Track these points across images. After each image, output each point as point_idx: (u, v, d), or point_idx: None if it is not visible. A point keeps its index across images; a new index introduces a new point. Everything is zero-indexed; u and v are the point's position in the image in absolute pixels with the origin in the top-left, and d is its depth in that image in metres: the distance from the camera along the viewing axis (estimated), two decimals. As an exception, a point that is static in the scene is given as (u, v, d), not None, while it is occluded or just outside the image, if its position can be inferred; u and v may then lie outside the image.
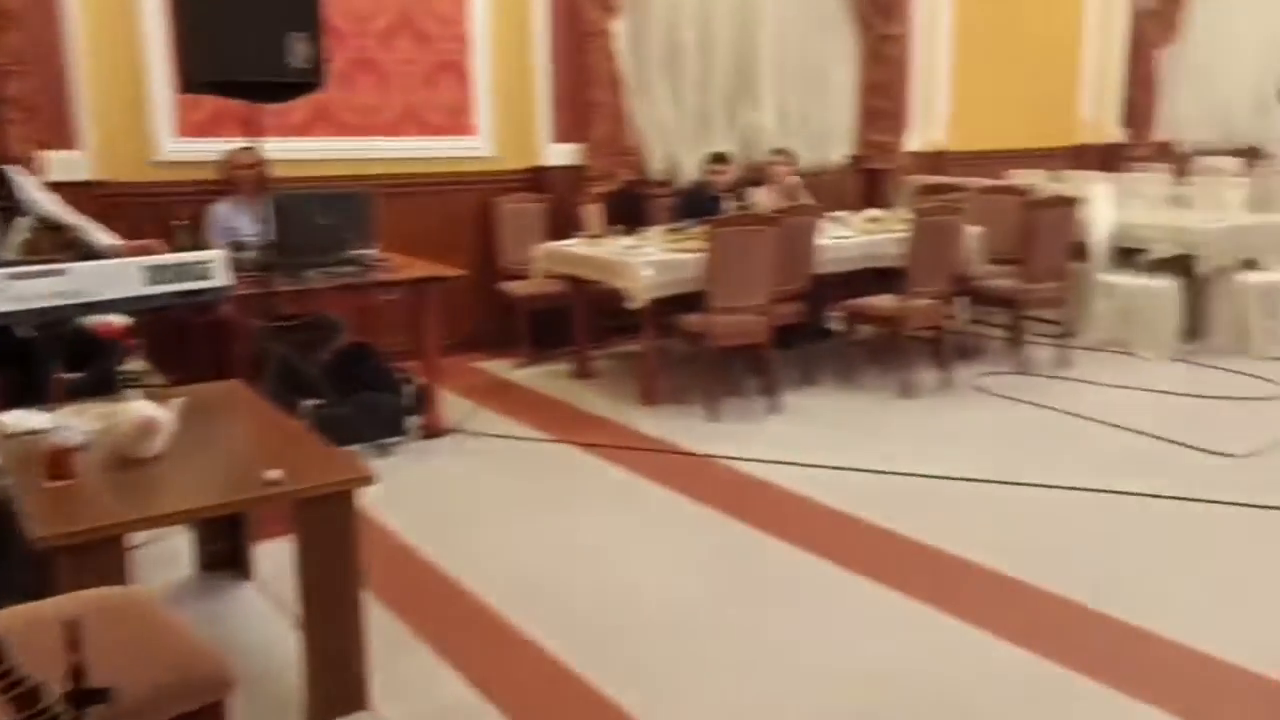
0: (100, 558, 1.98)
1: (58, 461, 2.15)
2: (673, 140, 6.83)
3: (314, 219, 4.52)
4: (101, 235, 3.67)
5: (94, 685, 1.21)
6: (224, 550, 3.10)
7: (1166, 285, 6.10)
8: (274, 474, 2.15)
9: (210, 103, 5.15)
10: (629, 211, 6.29)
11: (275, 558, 3.09)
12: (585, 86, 6.41)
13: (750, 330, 5.04)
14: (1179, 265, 6.15)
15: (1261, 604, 3.08)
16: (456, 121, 6.19)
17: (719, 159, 6.14)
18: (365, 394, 4.60)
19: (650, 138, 6.76)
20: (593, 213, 6.27)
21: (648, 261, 4.99)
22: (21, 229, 3.45)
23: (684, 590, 3.20)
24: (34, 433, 2.32)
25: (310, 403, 4.34)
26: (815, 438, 4.70)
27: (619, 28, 6.47)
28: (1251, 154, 9.18)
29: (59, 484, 2.13)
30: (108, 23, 5.14)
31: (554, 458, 4.51)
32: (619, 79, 6.50)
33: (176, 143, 5.36)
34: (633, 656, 2.79)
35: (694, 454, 4.48)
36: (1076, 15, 8.77)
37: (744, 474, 4.23)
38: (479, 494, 4.09)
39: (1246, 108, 9.79)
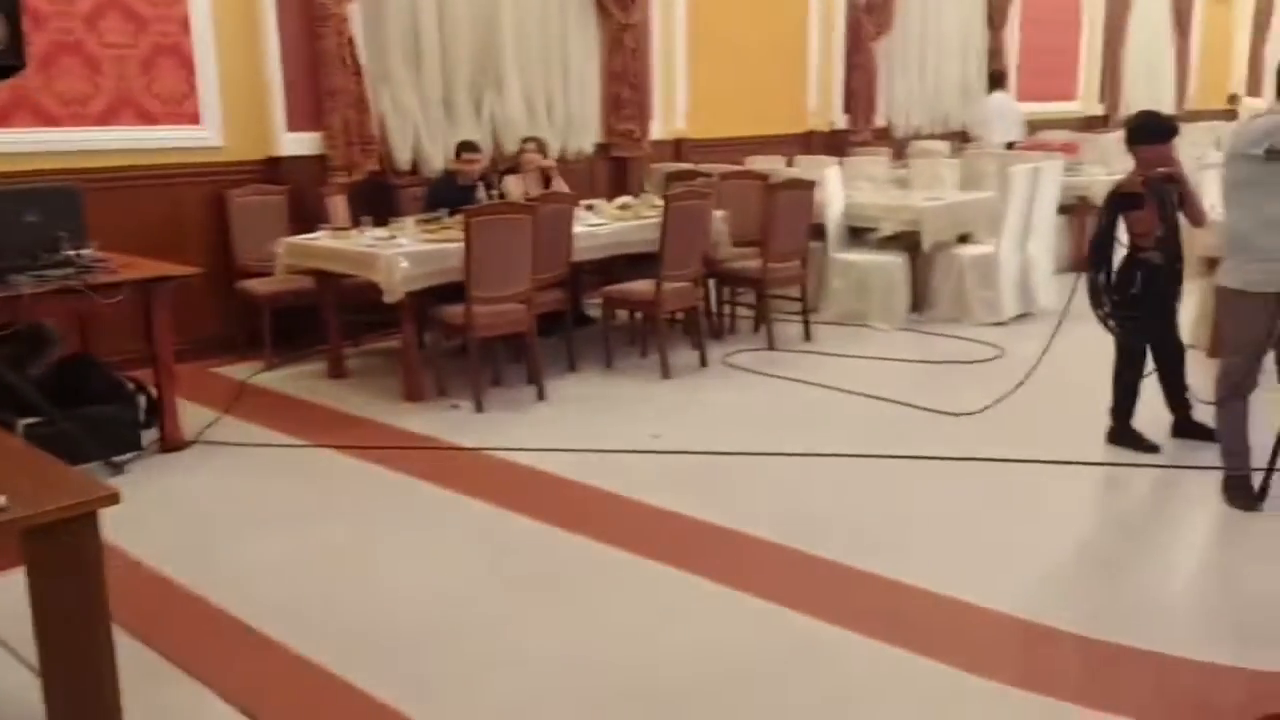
0: None
1: None
2: (418, 129, 6.65)
3: (18, 217, 4.08)
4: None
5: None
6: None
7: (894, 260, 6.56)
8: (-2, 500, 1.89)
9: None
10: (377, 202, 6.06)
11: (3, 595, 2.77)
12: (320, 73, 6.12)
13: (513, 319, 4.99)
14: (904, 242, 6.63)
15: (999, 548, 3.37)
16: (179, 110, 5.74)
17: (469, 148, 6.03)
18: (90, 408, 4.20)
19: (394, 126, 6.54)
20: (338, 204, 6.00)
21: (403, 253, 4.83)
22: None
23: (458, 588, 3.13)
24: None
25: (27, 421, 3.91)
26: (583, 423, 4.72)
27: (354, 11, 6.21)
28: (961, 137, 10.06)
29: None
30: None
31: (311, 463, 4.29)
32: (357, 65, 6.24)
33: None
34: (407, 660, 2.70)
35: (463, 448, 4.39)
36: (801, 8, 9.25)
37: (516, 464, 4.19)
38: (228, 507, 3.83)
39: (954, 94, 10.73)
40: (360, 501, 3.87)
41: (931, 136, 9.95)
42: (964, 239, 6.78)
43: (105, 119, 5.45)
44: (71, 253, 4.15)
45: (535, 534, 3.51)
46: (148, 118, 5.61)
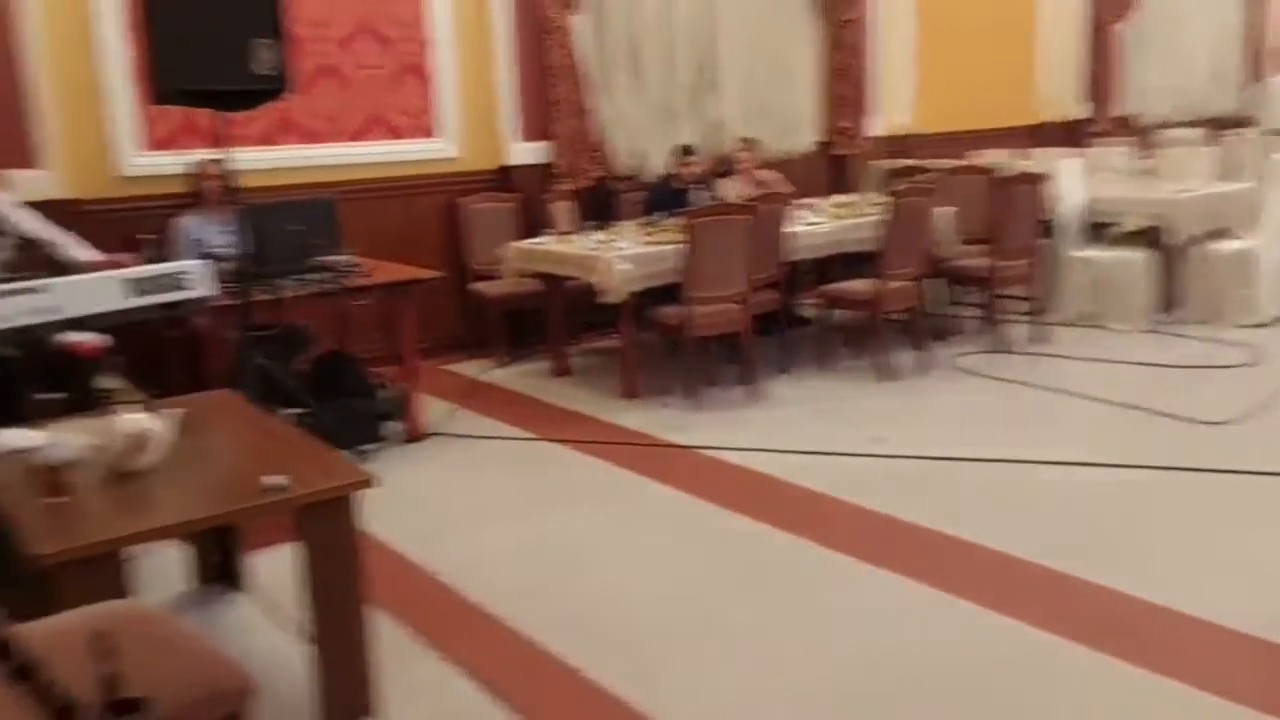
0: (99, 574, 1.95)
1: (52, 480, 2.11)
2: (638, 135, 6.83)
3: (283, 227, 4.48)
4: (80, 250, 3.62)
5: (128, 696, 1.19)
6: (216, 562, 3.06)
7: (1137, 257, 6.18)
8: (273, 480, 2.12)
9: (176, 115, 5.10)
10: (599, 207, 6.28)
11: (270, 567, 3.07)
12: (547, 84, 6.40)
13: (729, 319, 5.05)
14: (1147, 237, 6.24)
15: (1247, 567, 3.13)
16: (420, 124, 6.15)
17: (687, 151, 6.15)
18: (343, 401, 4.56)
19: (615, 133, 6.75)
20: (562, 210, 6.26)
21: (623, 255, 4.99)
22: (2, 247, 3.39)
23: (676, 581, 3.20)
24: (23, 451, 2.27)
25: (290, 412, 4.29)
26: (798, 424, 4.72)
27: (579, 23, 6.46)
28: (1215, 124, 9.32)
29: (54, 501, 2.09)
30: (65, 41, 5.05)
31: (538, 456, 4.49)
32: (581, 75, 6.49)
33: (142, 156, 5.28)
34: (633, 651, 2.79)
35: (678, 445, 4.48)
36: (1030, -5, 8.87)
37: (730, 463, 4.24)
38: (464, 495, 4.07)
39: (1203, 79, 9.93)
40: (584, 493, 4.02)
41: (1179, 125, 9.26)
42: (1219, 234, 6.30)
43: (358, 135, 5.92)
44: (328, 259, 4.52)
45: (752, 532, 3.54)
46: (394, 133, 6.04)
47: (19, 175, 4.89)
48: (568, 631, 2.88)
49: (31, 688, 1.11)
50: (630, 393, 5.20)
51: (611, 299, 4.96)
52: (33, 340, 2.84)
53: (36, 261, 3.46)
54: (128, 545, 2.02)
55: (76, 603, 1.83)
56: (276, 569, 2.91)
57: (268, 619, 2.93)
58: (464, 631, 2.94)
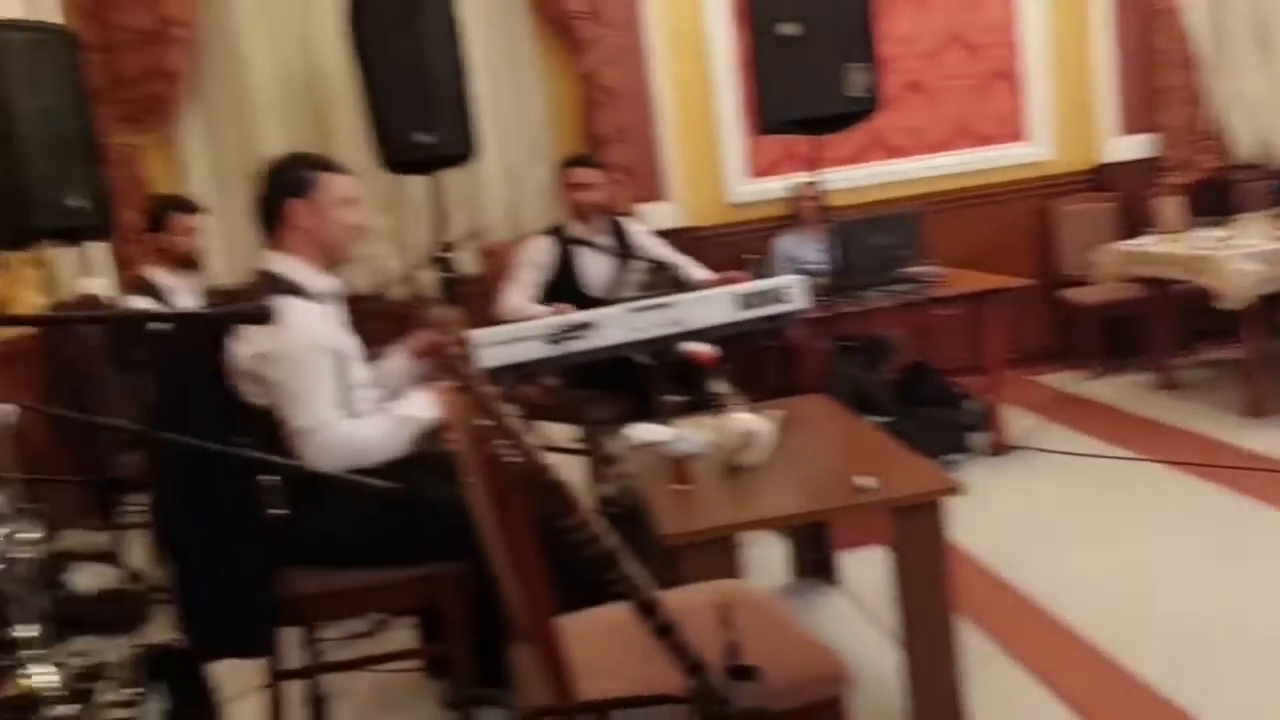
0: (716, 555, 2.21)
1: (679, 469, 2.43)
2: (1264, 118, 5.98)
3: (869, 242, 4.65)
4: (697, 270, 4.12)
5: (744, 664, 1.35)
6: (813, 557, 3.28)
7: None
8: (865, 481, 2.23)
9: (776, 143, 5.54)
10: (1213, 201, 5.61)
11: (861, 566, 3.21)
12: (1154, 72, 5.87)
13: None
14: None
15: None
16: (1008, 130, 6.00)
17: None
18: (927, 410, 4.61)
19: (1234, 117, 5.98)
20: (1170, 206, 5.70)
21: (1248, 254, 4.41)
22: (636, 270, 3.99)
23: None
24: (657, 444, 2.64)
25: (876, 419, 4.44)
26: None
27: (1189, 2, 5.84)
28: None
29: (680, 489, 2.41)
30: (688, 86, 5.74)
31: (1134, 476, 4.14)
32: (1192, 58, 5.86)
33: (748, 184, 5.83)
34: (1243, 693, 2.47)
35: (1318, 474, 3.86)
36: None
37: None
38: (1051, 512, 3.89)
39: None
40: (1189, 519, 3.63)
41: None
42: None
43: (943, 146, 5.95)
44: (912, 270, 4.61)
45: None
46: (981, 141, 5.97)
47: (649, 208, 5.66)
48: (1166, 661, 2.64)
49: (669, 644, 1.31)
50: (1255, 410, 4.57)
51: (1231, 304, 4.41)
52: (661, 349, 3.29)
53: (662, 282, 3.99)
54: (738, 532, 2.26)
55: (696, 579, 2.10)
56: (867, 569, 3.05)
57: (859, 616, 3.07)
58: (1050, 649, 2.82)
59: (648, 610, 1.29)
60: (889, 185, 5.81)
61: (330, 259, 2.50)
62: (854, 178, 5.67)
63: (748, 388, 4.91)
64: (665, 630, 1.29)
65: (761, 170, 5.81)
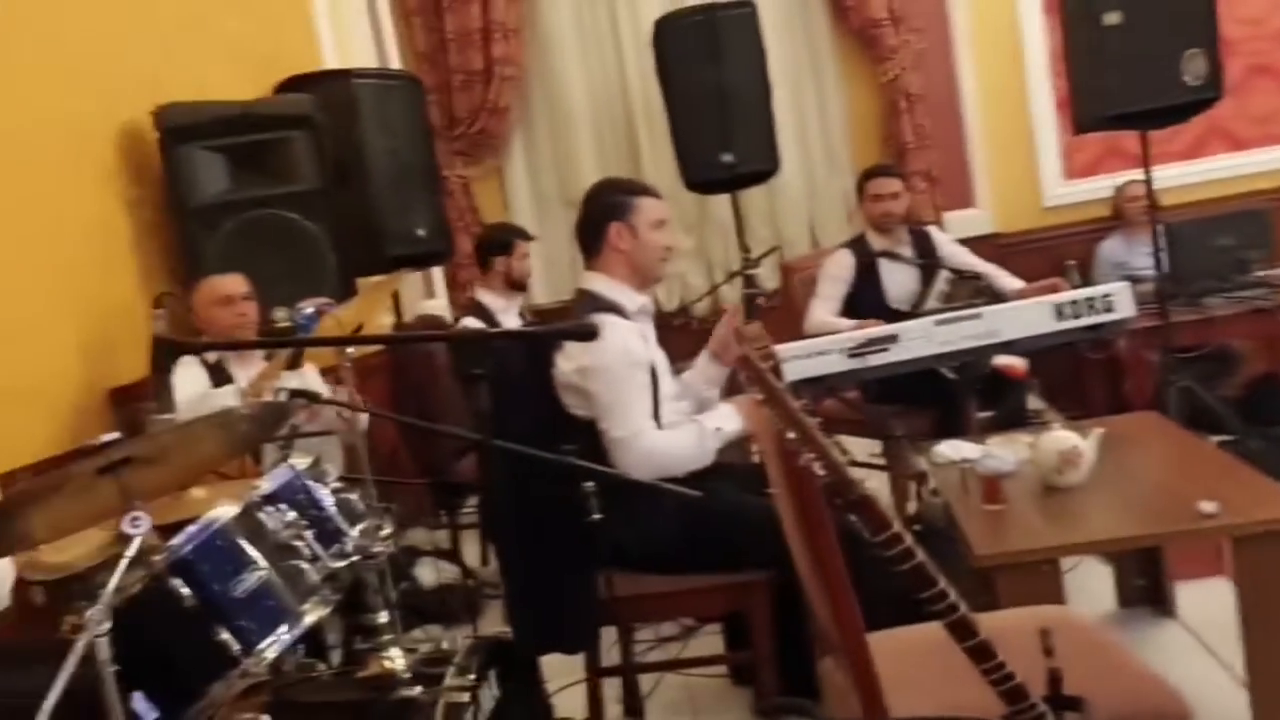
0: (1035, 578, 2.10)
1: (991, 488, 2.34)
2: None
3: (1208, 243, 4.27)
4: (1007, 279, 3.94)
5: (1067, 694, 1.29)
6: (1142, 585, 3.04)
7: None
8: (1209, 506, 2.05)
9: (1095, 141, 5.19)
10: None
11: (1200, 597, 2.94)
12: None
13: None
14: None
15: None
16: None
17: None
18: (1277, 429, 4.15)
19: None
20: None
21: None
22: (941, 281, 3.88)
23: None
24: (965, 462, 2.55)
25: (1218, 439, 4.05)
26: None
27: None
28: None
29: (993, 508, 2.32)
30: (998, 86, 5.50)
31: None
32: None
33: (1064, 186, 5.50)
34: None
35: None
36: None
37: None
38: None
39: None
40: None
41: None
42: None
43: (1295, 135, 5.33)
44: (1261, 273, 4.17)
45: None
46: (1341, 127, 5.30)
47: (956, 215, 5.48)
48: None
49: (987, 667, 1.27)
50: None
51: None
52: (968, 363, 3.18)
53: (968, 292, 3.85)
54: (1056, 555, 2.14)
55: (1013, 602, 2.02)
56: (1207, 600, 2.79)
57: (1197, 651, 2.81)
58: None
59: (965, 631, 1.26)
60: (1230, 180, 5.27)
61: (644, 279, 2.63)
62: (1188, 173, 5.20)
63: (1069, 403, 4.66)
64: (983, 652, 1.26)
65: (1080, 170, 5.46)
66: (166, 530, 1.95)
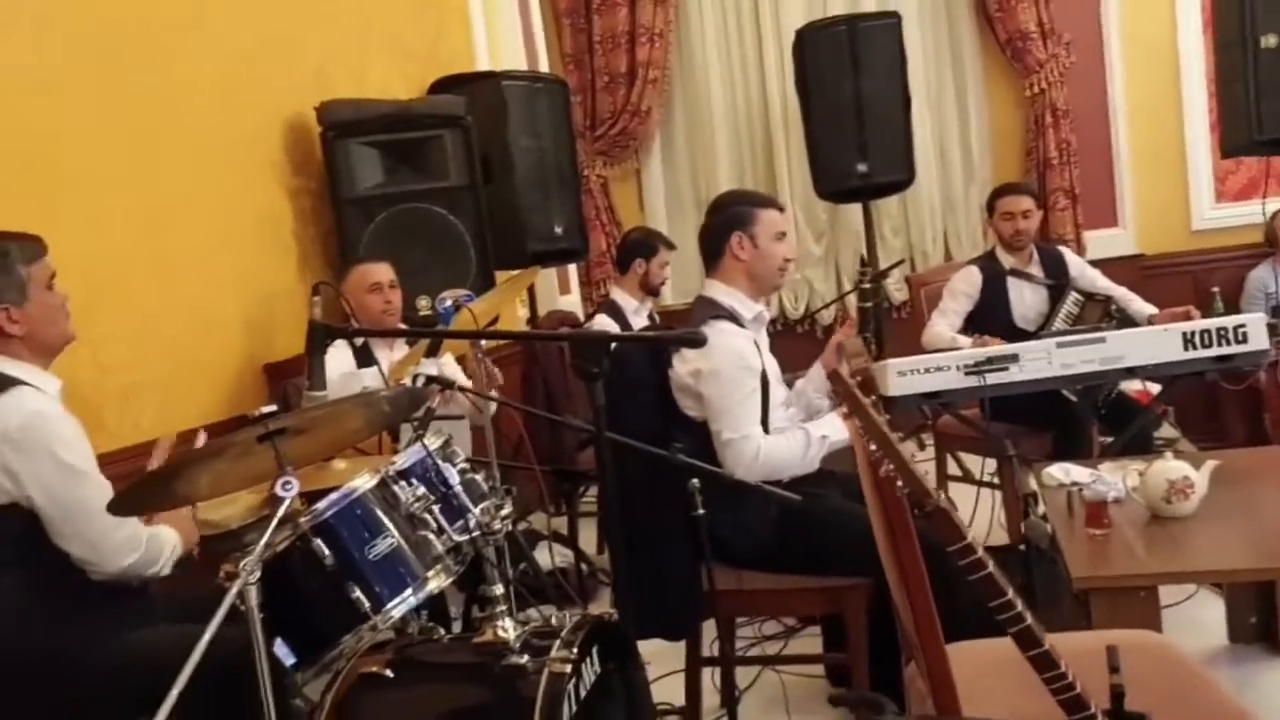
0: (1131, 603, 2.11)
1: (1095, 512, 2.35)
2: None
3: None
4: (1139, 304, 3.87)
5: (1131, 710, 1.34)
6: (1254, 622, 2.98)
7: None
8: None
9: (1251, 164, 5.02)
10: None
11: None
12: None
13: None
14: None
15: None
16: None
17: None
18: None
19: None
20: None
21: None
22: (1069, 302, 3.84)
23: None
24: (1075, 485, 2.56)
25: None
26: None
27: None
28: None
29: (1096, 532, 2.33)
30: (1151, 103, 5.36)
31: None
32: None
33: (1215, 209, 5.33)
34: None
35: None
36: None
37: None
38: None
39: None
40: None
41: None
42: None
43: None
44: None
45: None
46: None
47: (1098, 234, 5.37)
48: None
49: (1049, 676, 1.33)
50: None
51: None
52: (1092, 386, 3.15)
53: (1097, 315, 3.80)
54: (1155, 583, 2.15)
55: (1106, 624, 2.04)
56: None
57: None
58: None
59: (1029, 640, 1.33)
60: None
61: (761, 288, 2.73)
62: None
63: (1204, 434, 4.53)
64: (1045, 661, 1.32)
65: (1234, 194, 5.28)
66: (310, 497, 2.16)
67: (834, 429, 2.59)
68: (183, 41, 3.37)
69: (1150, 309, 3.83)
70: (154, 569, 2.19)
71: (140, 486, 1.96)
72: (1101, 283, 4.01)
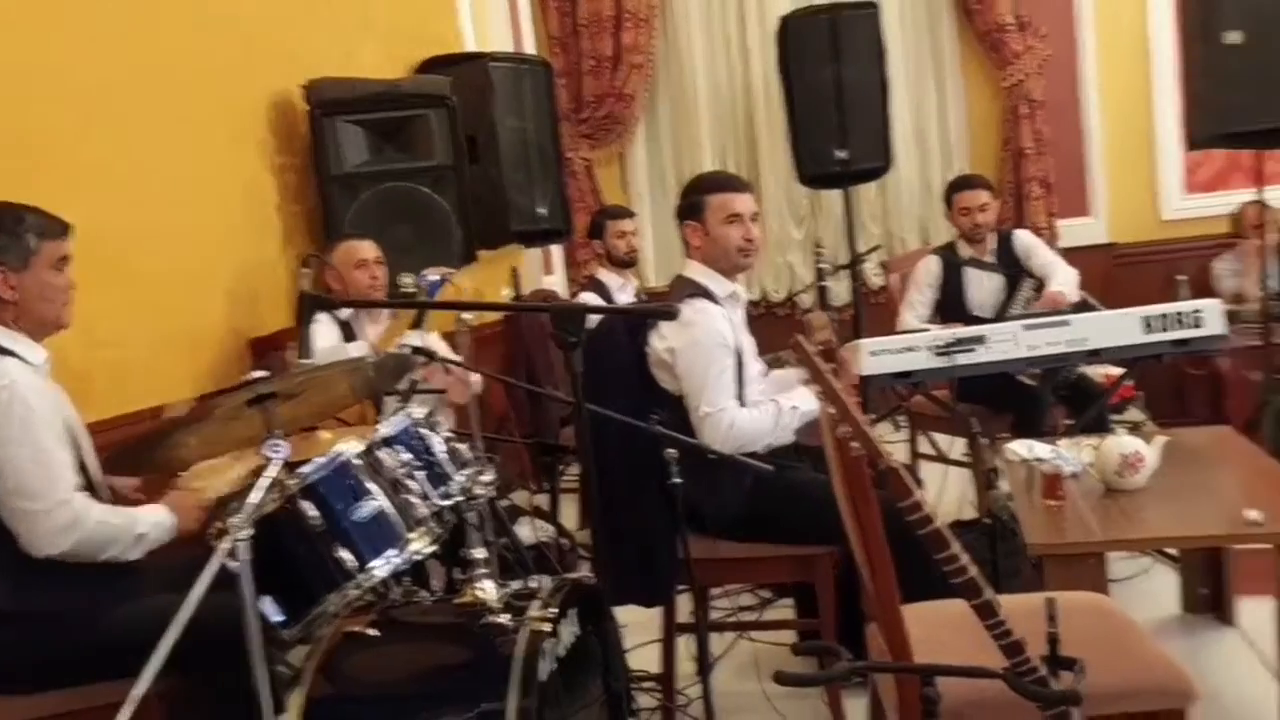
0: (1081, 569, 2.23)
1: (1051, 484, 2.46)
2: None
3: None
4: (1059, 279, 3.89)
5: (1065, 655, 1.45)
6: (1204, 595, 3.11)
7: None
8: (1254, 515, 2.13)
9: (1221, 157, 5.14)
10: None
11: (1263, 612, 2.99)
12: None
13: None
14: None
15: None
16: None
17: None
18: None
19: None
20: None
21: None
22: (1026, 288, 3.95)
23: None
24: (1035, 460, 2.67)
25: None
26: None
27: None
28: None
29: (1052, 503, 2.45)
30: (1123, 95, 5.47)
31: None
32: None
33: (1184, 200, 5.45)
34: None
35: None
36: None
37: None
38: None
39: None
40: None
41: None
42: None
43: None
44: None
45: None
46: None
47: (1070, 223, 5.48)
48: None
49: (990, 623, 1.43)
50: None
51: None
52: (1054, 368, 3.25)
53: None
54: (1102, 550, 2.27)
55: (1058, 589, 2.15)
56: (1265, 616, 2.84)
57: (1251, 660, 2.88)
58: None
59: (972, 590, 1.43)
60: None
61: (725, 270, 2.80)
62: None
63: (1170, 417, 4.64)
64: (987, 609, 1.42)
65: (1202, 185, 5.40)
66: (297, 468, 2.23)
67: (804, 399, 2.68)
68: (171, 18, 3.42)
69: (1054, 288, 3.86)
70: (108, 554, 2.15)
71: (131, 448, 2.03)
72: (1046, 256, 4.04)
